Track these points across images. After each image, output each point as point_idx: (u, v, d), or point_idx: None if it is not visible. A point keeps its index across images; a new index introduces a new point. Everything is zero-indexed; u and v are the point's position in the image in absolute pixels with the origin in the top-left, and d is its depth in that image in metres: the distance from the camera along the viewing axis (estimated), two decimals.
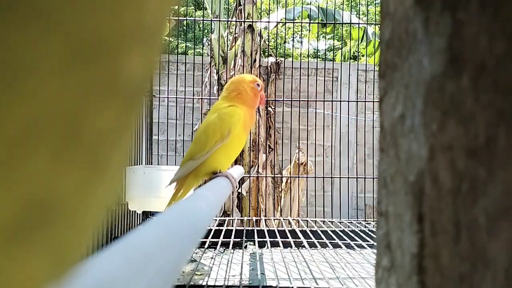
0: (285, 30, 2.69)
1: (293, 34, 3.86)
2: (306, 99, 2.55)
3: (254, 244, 1.46)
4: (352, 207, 3.28)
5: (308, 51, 6.39)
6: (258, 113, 2.51)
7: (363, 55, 4.22)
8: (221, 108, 0.94)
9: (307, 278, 1.15)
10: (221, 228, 1.60)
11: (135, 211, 1.46)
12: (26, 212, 0.06)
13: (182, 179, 0.94)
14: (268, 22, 2.95)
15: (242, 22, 2.65)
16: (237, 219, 2.06)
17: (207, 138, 0.90)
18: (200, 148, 0.90)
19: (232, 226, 1.76)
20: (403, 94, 0.18)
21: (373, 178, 2.07)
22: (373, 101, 2.57)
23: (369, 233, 1.58)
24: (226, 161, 0.95)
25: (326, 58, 4.42)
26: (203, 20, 3.47)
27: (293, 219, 1.95)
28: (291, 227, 1.75)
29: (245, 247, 1.46)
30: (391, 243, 0.18)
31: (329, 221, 1.85)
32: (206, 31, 5.91)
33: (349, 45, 2.55)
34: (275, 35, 3.39)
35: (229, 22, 2.82)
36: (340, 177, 2.15)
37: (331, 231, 1.60)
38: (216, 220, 1.93)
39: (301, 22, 3.57)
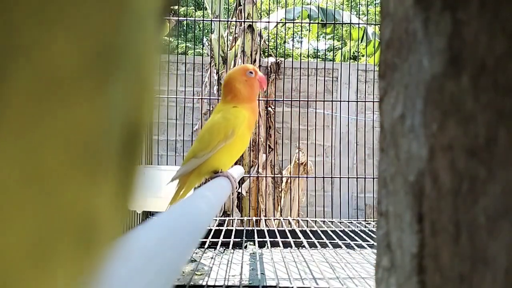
0: (285, 30, 2.69)
1: (293, 34, 3.86)
2: (306, 99, 2.55)
3: (254, 244, 1.45)
4: (352, 207, 3.28)
5: (308, 51, 6.39)
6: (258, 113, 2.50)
7: (363, 55, 4.22)
8: (225, 109, 0.94)
9: (307, 278, 1.15)
10: (221, 228, 1.60)
11: (135, 211, 1.46)
12: None
13: (184, 177, 0.94)
14: (268, 22, 2.95)
15: (242, 22, 2.65)
16: (237, 219, 2.06)
17: (211, 137, 0.90)
18: (203, 147, 0.90)
19: (232, 226, 1.76)
20: (403, 94, 0.18)
21: (373, 178, 2.07)
22: (373, 101, 2.57)
23: (369, 233, 1.58)
24: (228, 161, 0.95)
25: (326, 58, 4.42)
26: (203, 20, 3.47)
27: (293, 219, 1.95)
28: (291, 227, 1.74)
29: (245, 247, 1.46)
30: (391, 243, 0.18)
31: (329, 221, 1.85)
32: (206, 31, 5.91)
33: (349, 45, 2.55)
34: (275, 35, 3.39)
35: (229, 22, 2.82)
36: (340, 177, 2.15)
37: (331, 231, 1.60)
38: (216, 220, 1.93)
39: (301, 22, 3.58)
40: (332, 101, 2.36)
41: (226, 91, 0.97)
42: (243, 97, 0.95)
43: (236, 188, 1.04)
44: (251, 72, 0.96)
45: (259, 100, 2.27)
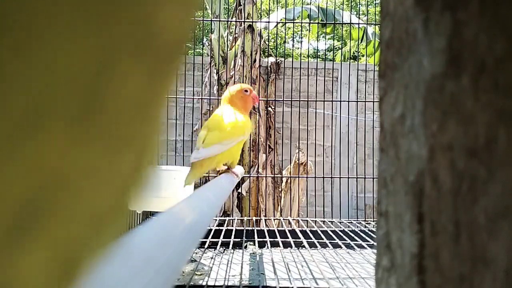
0: (285, 30, 2.69)
1: (293, 34, 3.86)
2: (306, 99, 2.55)
3: (254, 244, 1.45)
4: (352, 207, 3.28)
5: (308, 51, 6.39)
6: (258, 113, 2.51)
7: (363, 55, 4.22)
8: (236, 112, 1.14)
9: (307, 278, 1.15)
10: (221, 228, 1.60)
11: (135, 211, 1.46)
12: (34, 199, 0.06)
13: (206, 160, 1.06)
14: (268, 22, 2.95)
15: (242, 22, 2.65)
16: (237, 219, 2.06)
17: (237, 130, 1.09)
18: (230, 136, 1.07)
19: (232, 226, 1.76)
20: (403, 94, 0.18)
21: (373, 178, 2.07)
22: (373, 101, 2.57)
23: (369, 233, 1.58)
24: (238, 155, 1.14)
25: (326, 58, 4.42)
26: (203, 20, 3.47)
27: (293, 219, 1.95)
28: (291, 227, 1.74)
29: (245, 247, 1.46)
30: (391, 243, 0.18)
31: (329, 221, 1.85)
32: (206, 31, 5.91)
33: (349, 45, 2.55)
34: (275, 35, 3.39)
35: (229, 22, 2.82)
36: (340, 177, 2.15)
37: (331, 231, 1.60)
38: (216, 220, 1.93)
39: (301, 22, 3.58)
40: (332, 101, 2.37)
41: (227, 101, 1.19)
42: (238, 107, 1.17)
43: (241, 174, 1.24)
44: (246, 91, 1.19)
45: (259, 100, 2.27)
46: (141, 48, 0.07)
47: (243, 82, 2.70)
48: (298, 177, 2.22)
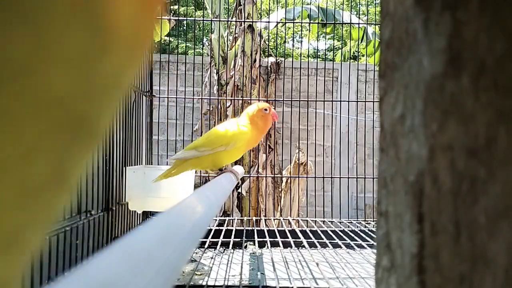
0: (285, 30, 2.69)
1: (293, 34, 3.86)
2: (306, 99, 2.54)
3: (254, 244, 1.45)
4: (352, 207, 3.28)
5: (308, 51, 6.39)
6: None
7: (363, 55, 4.22)
8: (238, 125, 1.17)
9: (307, 278, 1.15)
10: (221, 228, 1.60)
11: (135, 211, 1.46)
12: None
13: (179, 161, 1.14)
14: (268, 22, 2.95)
15: (242, 22, 2.65)
16: (237, 219, 2.06)
17: (217, 140, 1.12)
18: (206, 145, 1.12)
19: (232, 226, 1.76)
20: (403, 94, 0.18)
21: (373, 178, 2.07)
22: (373, 101, 2.57)
23: (369, 233, 1.58)
24: (220, 163, 1.17)
25: (326, 58, 4.41)
26: (203, 20, 3.46)
27: (293, 219, 1.95)
28: (291, 227, 1.74)
29: (245, 247, 1.46)
30: (391, 243, 0.18)
31: (329, 221, 1.85)
32: (206, 31, 5.90)
33: (349, 45, 2.55)
34: (275, 35, 3.39)
35: (229, 22, 2.82)
36: (340, 177, 2.15)
37: (331, 231, 1.60)
38: (216, 220, 1.93)
39: (301, 22, 3.57)
40: (332, 101, 2.36)
41: (249, 119, 1.19)
42: (257, 126, 1.18)
43: (239, 183, 1.25)
44: (265, 109, 1.19)
45: (259, 100, 2.27)
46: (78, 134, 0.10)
47: (243, 82, 2.70)
48: (298, 177, 2.22)
